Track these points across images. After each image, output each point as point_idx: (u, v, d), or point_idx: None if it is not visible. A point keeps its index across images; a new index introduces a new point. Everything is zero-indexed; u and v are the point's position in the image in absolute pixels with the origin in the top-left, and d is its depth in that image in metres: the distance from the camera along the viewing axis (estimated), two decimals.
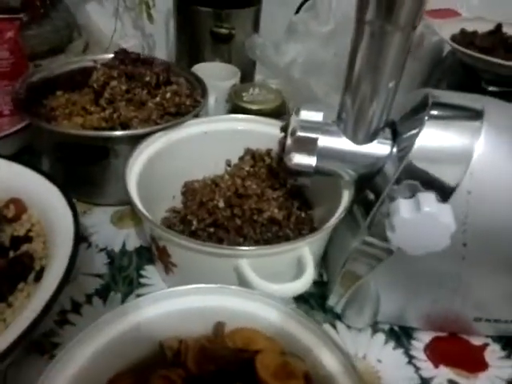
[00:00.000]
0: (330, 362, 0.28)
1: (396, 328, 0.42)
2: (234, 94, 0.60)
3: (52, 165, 0.50)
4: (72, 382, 0.26)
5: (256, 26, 0.71)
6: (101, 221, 0.50)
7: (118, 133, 0.44)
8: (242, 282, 0.34)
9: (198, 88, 0.54)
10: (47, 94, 0.52)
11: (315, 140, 0.36)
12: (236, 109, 0.59)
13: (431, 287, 0.37)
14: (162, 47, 0.93)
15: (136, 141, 0.44)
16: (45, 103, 0.49)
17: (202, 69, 0.66)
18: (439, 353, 0.40)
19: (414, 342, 0.40)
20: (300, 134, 0.36)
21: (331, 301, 0.42)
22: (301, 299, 0.43)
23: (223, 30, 0.64)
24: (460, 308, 0.38)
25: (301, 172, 0.37)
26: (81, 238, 0.38)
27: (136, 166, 0.42)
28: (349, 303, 0.40)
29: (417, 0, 0.29)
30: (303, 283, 0.34)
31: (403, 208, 0.31)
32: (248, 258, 0.34)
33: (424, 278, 0.37)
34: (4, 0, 0.67)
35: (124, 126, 0.46)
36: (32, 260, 0.37)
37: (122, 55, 0.50)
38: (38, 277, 0.35)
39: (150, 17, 0.83)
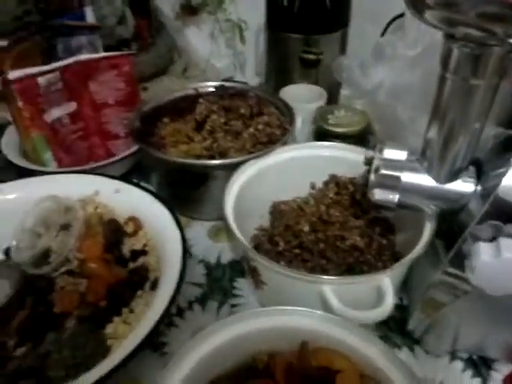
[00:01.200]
0: None
1: (475, 357, 0.42)
2: (319, 116, 0.64)
3: (159, 184, 0.58)
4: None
5: (343, 48, 0.73)
6: (199, 234, 0.57)
7: (217, 162, 0.50)
8: (326, 306, 0.38)
9: (287, 114, 0.59)
10: (156, 122, 0.60)
11: (398, 178, 0.38)
12: (321, 131, 0.62)
13: (509, 323, 0.38)
14: (252, 65, 0.99)
15: (231, 167, 0.49)
16: (156, 131, 0.57)
17: (289, 91, 0.70)
18: None
19: (492, 373, 0.41)
20: (383, 172, 0.39)
21: (411, 325, 0.44)
22: (382, 322, 0.45)
23: (311, 56, 0.68)
24: None
25: (383, 206, 0.40)
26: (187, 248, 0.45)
27: (232, 191, 0.48)
28: (428, 329, 0.42)
29: (502, 59, 0.30)
30: (383, 312, 0.36)
31: (484, 251, 0.32)
32: (331, 285, 0.38)
33: (506, 312, 0.37)
34: (117, 33, 0.77)
35: (222, 155, 0.52)
36: (147, 271, 0.44)
37: (221, 90, 0.56)
38: (153, 286, 0.42)
39: (242, 39, 0.89)
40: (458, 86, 0.33)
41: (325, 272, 0.45)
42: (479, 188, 0.37)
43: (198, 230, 0.57)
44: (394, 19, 0.75)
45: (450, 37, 0.32)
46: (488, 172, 0.37)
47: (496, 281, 0.32)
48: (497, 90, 0.34)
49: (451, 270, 0.37)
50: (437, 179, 0.38)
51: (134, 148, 0.61)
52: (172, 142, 0.55)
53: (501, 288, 0.32)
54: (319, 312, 0.36)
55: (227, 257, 0.54)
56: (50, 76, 0.58)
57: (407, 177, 0.38)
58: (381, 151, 0.40)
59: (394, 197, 0.39)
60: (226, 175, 0.49)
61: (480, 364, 0.42)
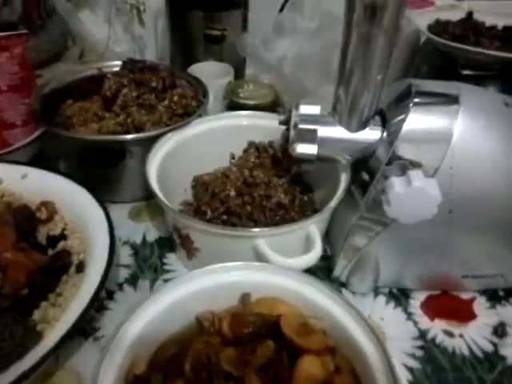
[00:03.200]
0: (344, 318, 0.33)
1: (394, 290, 0.47)
2: (230, 91, 0.65)
3: (70, 169, 0.54)
4: (127, 354, 0.31)
5: (245, 25, 0.75)
6: (120, 217, 0.54)
7: (134, 136, 0.48)
8: (260, 259, 0.39)
9: (199, 88, 0.59)
10: (59, 104, 0.56)
11: (315, 131, 0.41)
12: (234, 105, 0.63)
13: (423, 252, 0.43)
14: (152, 49, 0.96)
15: (149, 142, 0.48)
16: (60, 112, 0.53)
17: (197, 69, 0.70)
18: (433, 308, 0.45)
19: (411, 301, 0.46)
20: (301, 126, 0.41)
21: (336, 272, 0.47)
22: (309, 272, 0.48)
23: (215, 32, 0.68)
24: (449, 268, 0.44)
25: (304, 160, 0.42)
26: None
27: (153, 164, 0.47)
28: (352, 272, 0.46)
29: (398, 5, 0.34)
30: (314, 255, 0.39)
31: (396, 184, 0.36)
32: (264, 238, 0.39)
33: (416, 245, 0.42)
34: (3, 15, 0.70)
35: (137, 129, 0.50)
36: (70, 255, 0.41)
37: (130, 64, 0.54)
38: (79, 269, 0.40)
39: (141, 21, 0.86)
40: (358, 36, 0.36)
41: None
42: (385, 135, 0.41)
43: (119, 213, 0.55)
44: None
45: None
46: (391, 120, 0.41)
47: (409, 210, 0.36)
48: (394, 41, 0.37)
49: (367, 214, 0.41)
50: (348, 129, 0.41)
51: (35, 135, 0.56)
52: (80, 122, 0.51)
53: (413, 216, 0.36)
54: (256, 263, 0.37)
55: (153, 235, 0.53)
56: None
57: (323, 130, 0.41)
58: (297, 108, 0.42)
59: (313, 149, 0.41)
60: (143, 151, 0.48)
61: (400, 295, 0.47)
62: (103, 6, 0.85)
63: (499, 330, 0.43)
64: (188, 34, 0.72)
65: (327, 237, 0.50)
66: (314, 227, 0.41)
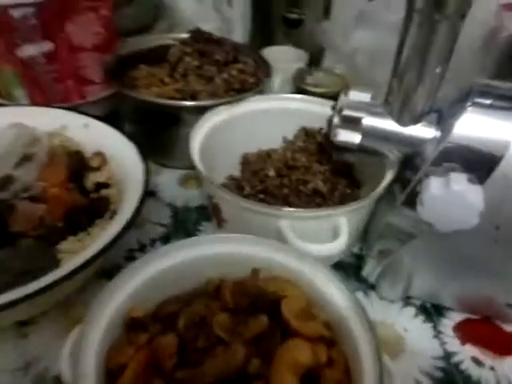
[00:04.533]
0: (348, 312, 0.31)
1: (428, 305, 0.44)
2: (298, 77, 0.64)
3: (132, 128, 0.58)
4: (128, 299, 0.32)
5: (327, 12, 0.73)
6: (169, 181, 0.57)
7: (186, 103, 0.50)
8: (282, 239, 0.38)
9: (264, 68, 0.59)
10: (132, 66, 0.59)
11: (360, 119, 0.39)
12: (300, 91, 0.63)
13: (462, 269, 0.39)
14: (240, 30, 0.98)
15: (202, 111, 0.49)
16: (129, 74, 0.57)
17: (272, 52, 0.70)
18: (468, 332, 0.41)
19: (444, 320, 0.42)
20: (346, 112, 0.39)
21: (365, 271, 0.45)
22: (339, 267, 0.46)
23: (294, 15, 0.67)
24: (491, 292, 0.40)
25: (345, 148, 0.40)
26: (149, 190, 0.45)
27: (200, 135, 0.48)
28: (382, 275, 0.43)
29: None
30: (335, 246, 0.37)
31: (434, 185, 0.33)
32: (288, 219, 0.38)
33: (455, 259, 0.39)
34: None
35: (193, 98, 0.51)
36: (108, 202, 0.44)
37: (197, 34, 0.55)
38: (112, 216, 0.42)
39: (229, 2, 0.88)
40: (421, 25, 0.34)
41: None
42: (438, 133, 0.38)
43: (169, 177, 0.58)
44: None
45: None
46: (447, 118, 0.37)
47: (445, 215, 0.33)
48: (459, 32, 0.34)
49: (404, 210, 0.38)
50: (398, 122, 0.38)
51: (109, 92, 0.60)
52: (145, 85, 0.54)
53: (449, 222, 0.33)
54: (273, 241, 0.36)
55: (195, 203, 0.54)
56: (24, 10, 0.56)
57: (369, 119, 0.39)
58: (346, 93, 0.40)
59: (356, 138, 0.39)
60: (197, 119, 0.49)
61: (432, 311, 0.43)
62: None
63: None
64: (268, 16, 0.73)
65: (365, 235, 0.47)
66: (343, 219, 0.39)
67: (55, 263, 0.35)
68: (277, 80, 0.67)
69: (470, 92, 0.36)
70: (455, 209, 0.32)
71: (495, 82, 0.37)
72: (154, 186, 0.55)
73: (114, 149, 0.48)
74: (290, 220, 0.38)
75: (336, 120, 0.40)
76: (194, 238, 0.36)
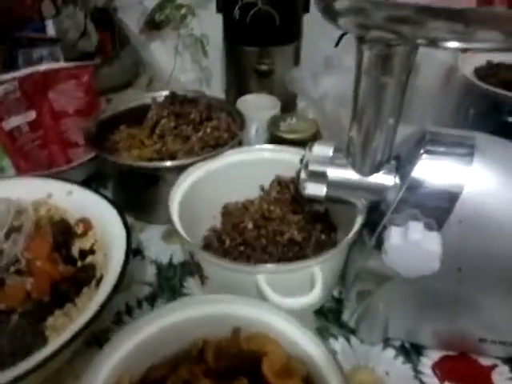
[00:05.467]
0: (325, 365, 0.33)
1: (407, 345, 0.45)
2: (271, 123, 0.67)
3: (115, 189, 0.60)
4: (116, 367, 0.34)
5: (297, 60, 0.77)
6: (153, 237, 0.59)
7: (165, 164, 0.52)
8: (260, 294, 0.40)
9: (238, 121, 0.62)
10: (113, 129, 0.62)
11: (324, 173, 0.41)
12: (274, 138, 0.66)
13: (434, 308, 0.41)
14: (218, 78, 1.02)
15: (181, 170, 0.52)
16: (110, 137, 0.59)
17: (246, 100, 0.73)
18: (446, 370, 0.42)
19: (422, 359, 0.43)
20: (311, 167, 0.41)
21: (346, 315, 0.46)
22: (320, 314, 0.48)
23: (264, 67, 0.71)
24: (464, 328, 0.41)
25: (314, 200, 0.43)
26: (134, 251, 0.47)
27: (179, 193, 0.50)
28: (361, 319, 0.45)
29: (407, 54, 0.34)
30: (310, 299, 0.39)
31: (393, 235, 0.35)
32: (265, 274, 0.40)
33: (426, 299, 0.40)
34: (80, 46, 0.79)
35: (171, 157, 0.54)
36: (94, 269, 0.46)
37: (172, 97, 0.59)
38: (98, 283, 0.44)
39: (205, 53, 0.92)
40: (370, 85, 0.36)
41: None
42: (398, 180, 0.40)
43: (152, 233, 0.59)
44: (344, 34, 0.80)
45: (360, 39, 0.35)
46: (405, 165, 0.40)
47: (407, 262, 0.35)
48: (406, 87, 0.37)
49: (374, 257, 0.40)
50: (360, 172, 0.41)
51: (92, 155, 0.63)
52: (126, 147, 0.57)
53: (412, 269, 0.35)
54: (252, 299, 0.38)
55: (179, 258, 0.56)
56: (7, 85, 0.60)
57: (333, 171, 0.41)
58: (310, 148, 0.43)
59: (322, 190, 0.42)
60: (176, 177, 0.51)
61: (411, 351, 0.44)
62: (172, 38, 0.92)
63: None
64: (241, 67, 0.76)
65: (342, 279, 0.49)
66: (317, 268, 0.41)
67: (43, 340, 0.37)
68: (253, 129, 0.70)
69: (423, 139, 0.39)
70: (416, 257, 0.34)
71: (445, 130, 0.40)
72: (138, 244, 0.57)
73: (98, 214, 0.50)
74: (267, 275, 0.40)
75: (303, 175, 0.42)
76: (176, 302, 0.37)
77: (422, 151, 0.37)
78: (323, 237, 0.50)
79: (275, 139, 0.65)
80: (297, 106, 0.82)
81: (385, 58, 0.34)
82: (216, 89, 1.01)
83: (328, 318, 0.47)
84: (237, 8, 0.67)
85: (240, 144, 0.62)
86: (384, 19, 0.30)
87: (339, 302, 0.49)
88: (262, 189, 0.58)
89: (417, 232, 0.34)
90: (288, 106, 0.79)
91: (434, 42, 0.29)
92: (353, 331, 0.46)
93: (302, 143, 0.64)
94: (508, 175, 0.36)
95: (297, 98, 0.82)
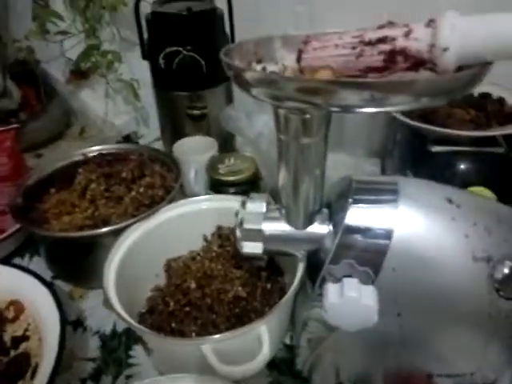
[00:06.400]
0: None
1: None
2: (210, 167, 0.66)
3: (49, 258, 0.57)
4: None
5: (229, 99, 0.77)
6: (94, 304, 0.56)
7: (98, 231, 0.50)
8: (207, 362, 0.39)
9: (174, 170, 0.60)
10: (41, 195, 0.59)
11: (260, 230, 0.41)
12: (213, 181, 0.65)
13: (380, 352, 0.41)
14: (155, 118, 1.00)
15: (116, 233, 0.50)
16: (37, 207, 0.56)
17: (183, 144, 0.73)
18: None
19: None
20: (246, 226, 0.41)
21: (299, 365, 0.45)
22: (272, 365, 0.47)
23: (196, 112, 0.71)
24: (411, 366, 0.41)
25: (252, 257, 0.42)
26: (74, 322, 0.44)
27: (114, 261, 0.47)
28: (313, 366, 0.44)
29: (324, 119, 0.34)
30: (258, 363, 0.38)
31: (331, 293, 0.35)
32: (210, 344, 0.39)
33: (372, 345, 0.40)
34: (2, 106, 0.76)
35: (104, 222, 0.52)
36: (28, 358, 0.43)
37: (99, 159, 0.57)
38: (34, 373, 0.41)
39: (136, 96, 0.91)
40: (291, 146, 0.37)
41: (215, 326, 0.46)
42: (331, 228, 0.40)
43: (94, 300, 0.56)
44: None
45: (277, 106, 0.36)
46: (337, 213, 0.40)
47: (346, 318, 0.35)
48: (327, 140, 0.37)
49: (318, 306, 0.39)
50: (295, 225, 0.41)
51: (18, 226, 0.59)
52: (55, 215, 0.54)
53: (352, 324, 0.35)
54: (196, 375, 0.36)
55: (123, 325, 0.53)
56: None
57: (268, 227, 0.41)
58: (244, 205, 0.43)
59: (259, 248, 0.41)
60: (113, 241, 0.49)
61: None
62: (101, 84, 0.90)
63: None
64: (173, 111, 0.75)
65: (292, 325, 0.49)
66: (263, 328, 0.40)
67: None
68: (192, 172, 0.69)
69: (349, 189, 0.39)
70: (354, 312, 0.34)
71: (369, 177, 0.41)
72: (78, 314, 0.54)
73: (30, 294, 0.47)
74: (212, 344, 0.39)
75: (238, 234, 0.42)
76: None
77: (350, 200, 0.38)
78: (269, 286, 0.49)
79: (215, 182, 0.65)
80: (235, 142, 0.82)
81: (302, 122, 0.35)
82: (154, 127, 0.99)
83: (281, 368, 0.47)
84: (161, 57, 0.66)
85: (181, 187, 0.61)
86: (294, 90, 0.31)
87: (290, 348, 0.48)
88: (206, 239, 0.56)
89: (352, 288, 0.34)
90: (226, 144, 0.79)
91: (347, 109, 0.30)
92: (306, 380, 0.45)
93: (242, 184, 0.64)
94: (433, 214, 0.37)
95: (234, 136, 0.82)
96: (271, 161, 0.65)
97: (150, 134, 0.98)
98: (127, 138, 0.95)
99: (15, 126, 0.66)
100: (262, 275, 0.50)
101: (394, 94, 0.29)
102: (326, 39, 0.37)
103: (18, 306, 0.47)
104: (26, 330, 0.45)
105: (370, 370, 0.43)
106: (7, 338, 0.45)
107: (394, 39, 0.33)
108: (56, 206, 0.55)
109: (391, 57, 0.33)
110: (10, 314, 0.46)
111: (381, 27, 0.35)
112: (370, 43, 0.34)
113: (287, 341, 0.49)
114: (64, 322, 0.42)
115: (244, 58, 0.38)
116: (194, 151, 0.71)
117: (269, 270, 0.51)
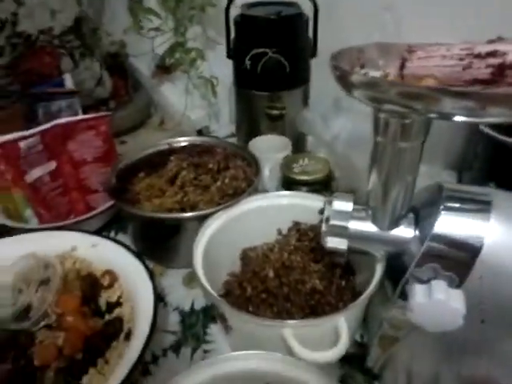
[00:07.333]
0: None
1: None
2: (284, 165, 0.69)
3: (135, 236, 0.62)
4: None
5: (305, 102, 0.80)
6: (174, 282, 0.60)
7: (187, 214, 0.54)
8: (287, 348, 0.41)
9: (253, 165, 0.64)
10: (132, 177, 0.64)
11: (346, 227, 0.43)
12: (287, 179, 0.67)
13: (458, 355, 0.41)
14: (226, 114, 1.05)
15: (201, 218, 0.53)
16: (130, 188, 0.61)
17: (257, 142, 0.76)
18: None
19: None
20: (332, 222, 0.43)
21: (369, 362, 0.47)
22: (344, 360, 0.48)
23: (275, 111, 0.74)
24: (488, 375, 0.42)
25: (335, 252, 0.44)
26: (158, 299, 0.48)
27: (201, 242, 0.52)
28: (385, 365, 0.46)
29: (423, 125, 0.36)
30: (338, 352, 0.40)
31: (418, 293, 0.36)
32: (291, 328, 0.41)
33: (450, 351, 0.41)
34: (96, 94, 0.82)
35: (192, 207, 0.56)
36: (122, 322, 0.47)
37: (191, 148, 0.61)
38: (127, 337, 0.45)
39: (214, 93, 0.95)
40: (388, 149, 0.38)
41: (289, 315, 0.48)
42: (417, 233, 0.41)
43: (173, 279, 0.61)
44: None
45: (376, 109, 0.38)
46: (424, 219, 0.41)
47: (432, 319, 0.36)
48: (423, 147, 0.39)
49: (398, 307, 0.41)
50: (380, 227, 0.42)
51: (111, 202, 0.65)
52: (146, 197, 0.59)
53: (437, 325, 0.36)
54: (279, 355, 0.39)
55: (200, 303, 0.57)
56: (30, 140, 0.62)
57: (354, 225, 0.43)
58: (330, 203, 0.45)
59: (344, 244, 0.43)
60: (197, 225, 0.53)
61: None
62: (182, 80, 0.96)
63: None
64: (252, 110, 0.79)
65: (365, 322, 0.50)
66: (342, 320, 0.42)
67: None
68: (266, 170, 0.72)
69: (439, 195, 0.40)
70: (440, 314, 0.36)
71: (460, 186, 0.42)
72: (160, 290, 0.58)
73: (123, 266, 0.52)
74: (293, 328, 0.41)
75: (324, 228, 0.44)
76: (202, 362, 0.38)
77: (441, 207, 0.39)
78: (343, 283, 0.51)
79: (288, 180, 0.67)
80: (307, 144, 0.85)
81: (402, 126, 0.36)
82: (225, 122, 1.04)
83: (352, 364, 0.48)
84: (248, 58, 0.70)
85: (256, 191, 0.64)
86: (397, 95, 0.32)
87: (362, 346, 0.50)
88: (280, 233, 0.59)
89: (441, 291, 0.35)
90: (298, 145, 0.81)
91: (446, 117, 0.31)
92: (376, 377, 0.47)
93: (315, 183, 0.66)
94: None
95: (306, 138, 0.84)
96: (347, 163, 0.67)
97: (221, 130, 1.02)
98: (200, 132, 1.00)
99: (109, 113, 0.71)
100: (337, 272, 0.52)
101: (504, 107, 0.30)
102: (432, 49, 0.39)
103: (112, 275, 0.51)
104: (120, 297, 0.50)
105: (445, 376, 0.44)
106: (102, 302, 0.50)
107: (504, 54, 0.34)
108: (146, 188, 0.60)
109: (500, 70, 0.34)
110: (106, 282, 0.51)
111: (491, 41, 0.36)
112: (479, 56, 0.36)
113: (357, 338, 0.51)
114: (156, 292, 0.46)
115: (348, 62, 0.40)
116: (270, 149, 0.74)
117: (342, 269, 0.53)
